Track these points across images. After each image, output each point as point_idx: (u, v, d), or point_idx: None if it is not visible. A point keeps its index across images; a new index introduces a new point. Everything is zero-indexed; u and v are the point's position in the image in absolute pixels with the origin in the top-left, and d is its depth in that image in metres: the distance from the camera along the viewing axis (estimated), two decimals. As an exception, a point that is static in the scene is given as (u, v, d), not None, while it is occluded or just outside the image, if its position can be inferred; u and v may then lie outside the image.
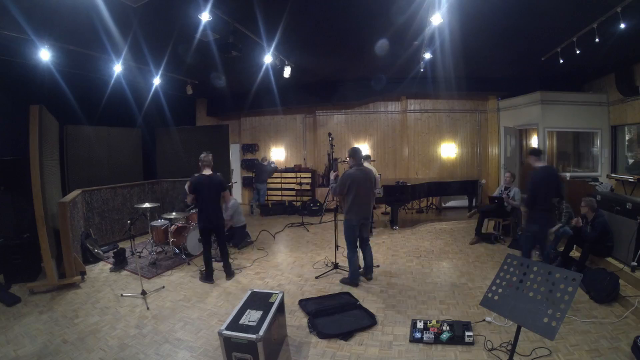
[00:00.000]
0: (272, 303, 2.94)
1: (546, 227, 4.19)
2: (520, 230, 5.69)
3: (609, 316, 3.37)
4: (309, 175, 9.73)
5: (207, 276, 4.55)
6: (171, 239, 5.48)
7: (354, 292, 4.14)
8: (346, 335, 3.18)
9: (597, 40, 4.66)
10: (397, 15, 4.44)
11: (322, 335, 3.20)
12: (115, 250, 5.28)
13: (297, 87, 8.94)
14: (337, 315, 3.51)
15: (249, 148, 10.83)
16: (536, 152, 4.26)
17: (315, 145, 10.06)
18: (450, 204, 8.18)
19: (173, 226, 5.56)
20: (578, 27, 4.85)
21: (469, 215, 7.54)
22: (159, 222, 5.63)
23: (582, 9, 4.31)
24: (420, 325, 3.24)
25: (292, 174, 9.88)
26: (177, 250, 5.53)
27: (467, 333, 3.07)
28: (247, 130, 10.90)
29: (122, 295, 4.14)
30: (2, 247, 4.49)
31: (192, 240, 5.42)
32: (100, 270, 5.08)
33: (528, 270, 2.09)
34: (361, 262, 4.57)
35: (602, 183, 7.10)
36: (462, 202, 8.69)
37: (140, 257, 5.34)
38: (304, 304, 3.80)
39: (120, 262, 5.08)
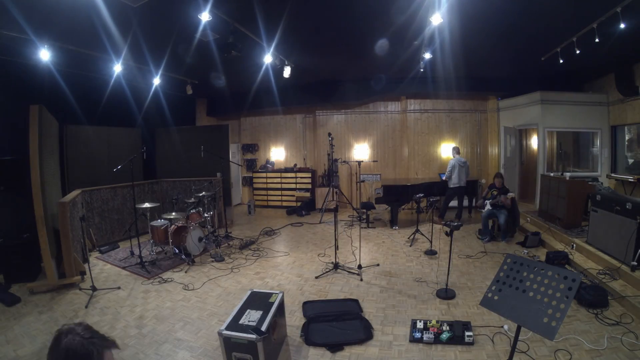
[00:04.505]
0: (272, 303, 2.94)
1: None
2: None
3: (609, 316, 3.37)
4: (309, 175, 9.73)
5: None
6: (171, 239, 5.48)
7: (360, 297, 4.14)
8: (333, 347, 3.02)
9: (597, 40, 4.66)
10: (397, 15, 4.44)
11: (309, 342, 3.11)
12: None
13: (297, 87, 8.94)
14: (333, 323, 3.40)
15: (249, 148, 10.84)
16: None
17: (315, 145, 10.06)
18: (450, 203, 8.18)
19: (173, 226, 5.56)
20: (578, 27, 4.84)
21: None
22: (159, 222, 5.63)
23: (582, 9, 4.30)
24: (420, 325, 3.24)
25: (292, 174, 9.89)
26: (177, 250, 5.53)
27: (467, 333, 3.07)
28: (247, 130, 10.91)
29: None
30: (2, 247, 4.49)
31: (192, 240, 5.41)
32: (100, 270, 5.08)
33: (528, 270, 2.09)
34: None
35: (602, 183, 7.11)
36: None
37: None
38: (306, 306, 3.75)
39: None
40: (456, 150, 7.53)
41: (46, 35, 4.63)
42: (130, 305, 3.91)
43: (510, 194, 6.00)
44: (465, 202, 8.19)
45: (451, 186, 7.33)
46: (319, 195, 9.37)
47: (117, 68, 5.92)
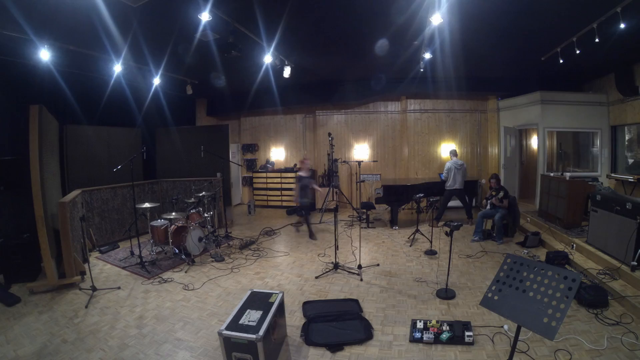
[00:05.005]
0: (272, 303, 2.94)
1: None
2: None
3: (609, 316, 3.37)
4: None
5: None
6: (171, 239, 5.48)
7: (360, 297, 4.14)
8: (333, 347, 3.02)
9: (597, 40, 4.66)
10: (397, 15, 4.44)
11: (309, 342, 3.11)
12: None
13: (297, 87, 8.94)
14: (333, 323, 3.39)
15: (249, 148, 10.84)
16: None
17: (315, 145, 10.06)
18: (450, 204, 8.20)
19: (173, 226, 5.56)
20: (578, 27, 4.84)
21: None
22: (158, 222, 5.63)
23: (582, 9, 4.30)
24: (420, 325, 3.24)
25: (292, 174, 9.88)
26: (177, 250, 5.54)
27: (467, 333, 3.07)
28: (247, 130, 10.91)
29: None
30: (2, 247, 4.49)
31: (192, 240, 5.41)
32: (100, 270, 5.08)
33: (528, 270, 2.09)
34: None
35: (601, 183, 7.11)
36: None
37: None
38: (307, 306, 3.75)
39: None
40: (453, 153, 7.48)
41: (46, 36, 4.62)
42: (130, 305, 3.91)
43: (500, 194, 6.02)
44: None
45: (448, 188, 7.33)
46: (319, 195, 9.36)
47: (117, 68, 5.92)
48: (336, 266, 4.88)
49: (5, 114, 5.37)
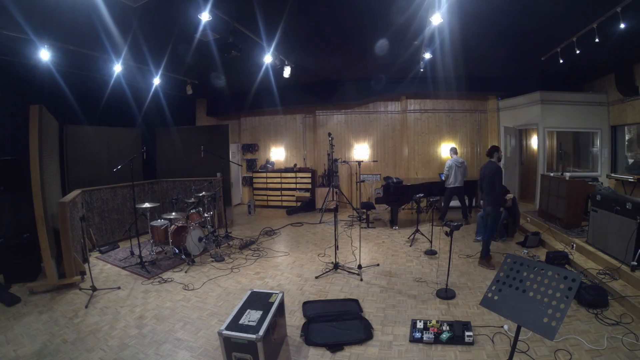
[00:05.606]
0: (272, 303, 2.94)
1: None
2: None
3: (609, 316, 3.37)
4: (309, 175, 9.74)
5: None
6: (171, 239, 5.48)
7: (360, 297, 4.14)
8: (333, 347, 3.02)
9: (597, 40, 4.66)
10: (397, 15, 4.44)
11: (309, 342, 3.11)
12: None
13: (297, 87, 8.94)
14: (333, 323, 3.39)
15: (249, 148, 10.84)
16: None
17: (315, 145, 10.06)
18: (450, 204, 8.21)
19: (173, 226, 5.56)
20: (578, 27, 4.84)
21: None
22: (158, 222, 5.63)
23: (582, 9, 4.31)
24: (420, 325, 3.24)
25: (292, 174, 9.89)
26: (177, 250, 5.53)
27: (467, 333, 3.07)
28: (247, 130, 10.91)
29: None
30: (2, 247, 4.50)
31: (192, 240, 5.40)
32: (100, 270, 5.08)
33: (528, 270, 2.09)
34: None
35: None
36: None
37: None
38: (307, 306, 3.75)
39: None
40: (454, 151, 7.52)
41: (46, 35, 4.63)
42: (130, 305, 3.91)
43: (509, 195, 6.01)
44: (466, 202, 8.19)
45: (449, 186, 7.34)
46: (319, 195, 9.36)
47: (117, 68, 5.92)
48: (336, 266, 4.88)
49: (5, 114, 5.37)
